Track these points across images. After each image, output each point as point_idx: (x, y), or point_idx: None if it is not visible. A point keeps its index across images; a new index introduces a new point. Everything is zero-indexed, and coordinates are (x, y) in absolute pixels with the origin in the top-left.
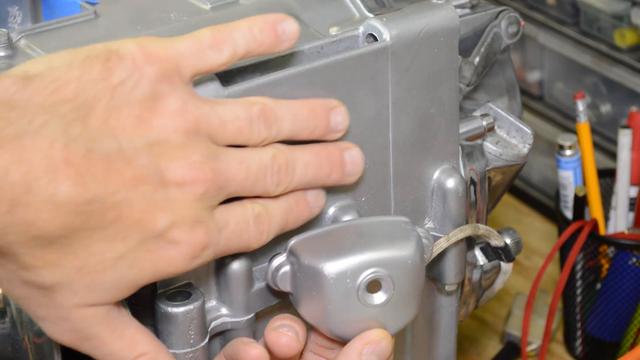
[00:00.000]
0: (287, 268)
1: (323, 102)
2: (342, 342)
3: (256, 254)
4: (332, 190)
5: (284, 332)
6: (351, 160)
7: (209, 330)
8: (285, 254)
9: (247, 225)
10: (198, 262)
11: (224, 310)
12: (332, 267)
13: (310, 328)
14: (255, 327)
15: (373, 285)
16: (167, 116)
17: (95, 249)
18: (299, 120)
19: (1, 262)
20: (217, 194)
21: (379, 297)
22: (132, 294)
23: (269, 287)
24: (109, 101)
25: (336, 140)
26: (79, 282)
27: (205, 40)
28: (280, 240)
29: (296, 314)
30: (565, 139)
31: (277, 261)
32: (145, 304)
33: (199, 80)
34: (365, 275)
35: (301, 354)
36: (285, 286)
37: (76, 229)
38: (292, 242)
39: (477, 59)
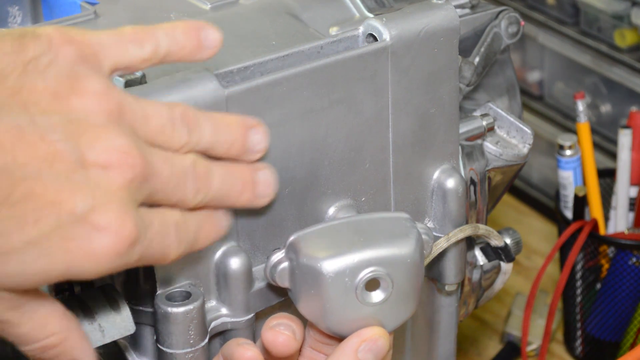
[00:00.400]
0: (285, 264)
1: (242, 119)
2: (340, 338)
3: (256, 254)
4: (331, 190)
5: (280, 330)
6: (264, 180)
7: (209, 330)
8: (284, 250)
9: (168, 230)
10: (122, 262)
11: (224, 310)
12: (330, 266)
13: (308, 324)
14: (255, 327)
15: (372, 284)
16: (88, 96)
17: (2, 227)
18: (219, 131)
19: None
20: (142, 185)
21: (377, 296)
22: (39, 286)
23: (268, 284)
24: (20, 74)
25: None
26: None
27: (127, 34)
28: (278, 237)
29: (296, 311)
30: (565, 139)
31: (275, 257)
32: (145, 304)
33: (198, 81)
34: (364, 274)
35: (300, 349)
36: (284, 282)
37: None
38: (292, 238)
39: (477, 59)
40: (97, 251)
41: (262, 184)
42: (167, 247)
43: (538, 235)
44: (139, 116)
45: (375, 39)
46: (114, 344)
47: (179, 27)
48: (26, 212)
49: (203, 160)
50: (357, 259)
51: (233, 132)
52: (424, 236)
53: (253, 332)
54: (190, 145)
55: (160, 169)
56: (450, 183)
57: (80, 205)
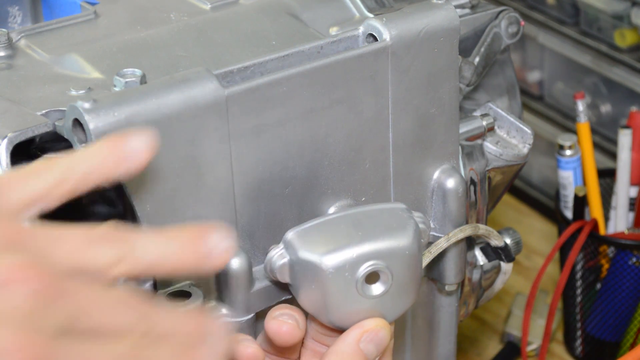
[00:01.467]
0: (285, 260)
1: (195, 230)
2: (341, 330)
3: (256, 254)
4: (331, 190)
5: (284, 320)
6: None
7: None
8: (282, 246)
9: None
10: None
11: (223, 310)
12: (330, 261)
13: (309, 316)
14: (255, 327)
15: (371, 277)
16: None
17: None
18: (159, 243)
19: None
20: (52, 305)
21: (377, 288)
22: None
23: (271, 280)
24: None
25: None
26: None
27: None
28: (278, 237)
29: (298, 307)
30: (565, 139)
31: (274, 252)
32: None
33: (198, 81)
34: (364, 268)
35: (302, 341)
36: (284, 277)
37: None
38: (289, 234)
39: (477, 59)
40: None
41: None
42: None
43: (538, 235)
44: (49, 239)
45: (375, 39)
46: None
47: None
48: None
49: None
50: (356, 253)
51: (182, 241)
52: (420, 225)
53: (253, 332)
54: (123, 264)
55: (75, 289)
56: (450, 183)
57: None
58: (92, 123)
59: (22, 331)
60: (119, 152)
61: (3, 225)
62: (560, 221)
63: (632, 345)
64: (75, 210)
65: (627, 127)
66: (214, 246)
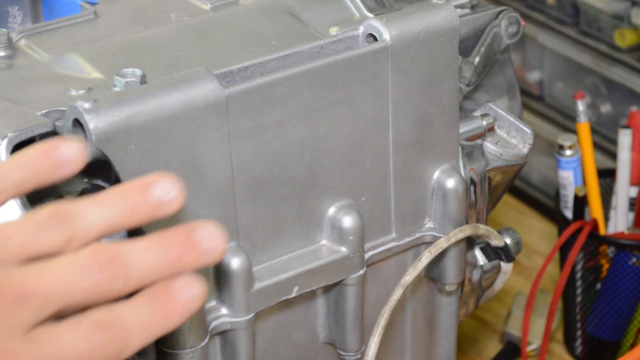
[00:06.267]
0: None
1: (135, 182)
2: None
3: (256, 254)
4: (331, 190)
5: None
6: (205, 236)
7: (209, 330)
8: None
9: (77, 344)
10: None
11: (224, 310)
12: None
13: None
14: (255, 327)
15: None
16: None
17: None
18: (108, 207)
19: None
20: (20, 307)
21: None
22: None
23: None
24: None
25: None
26: None
27: None
28: (278, 237)
29: (298, 311)
30: (565, 139)
31: None
32: None
33: (198, 81)
34: None
35: None
36: None
37: None
38: None
39: (477, 59)
40: None
41: (205, 240)
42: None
43: (538, 235)
44: None
45: (375, 39)
46: None
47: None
48: None
49: (109, 246)
50: None
51: (126, 199)
52: None
53: (253, 332)
54: (78, 237)
55: (37, 283)
56: (451, 183)
57: None
58: (92, 123)
59: None
60: (52, 159)
61: None
62: (560, 221)
63: (632, 345)
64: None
65: (627, 127)
66: (163, 194)
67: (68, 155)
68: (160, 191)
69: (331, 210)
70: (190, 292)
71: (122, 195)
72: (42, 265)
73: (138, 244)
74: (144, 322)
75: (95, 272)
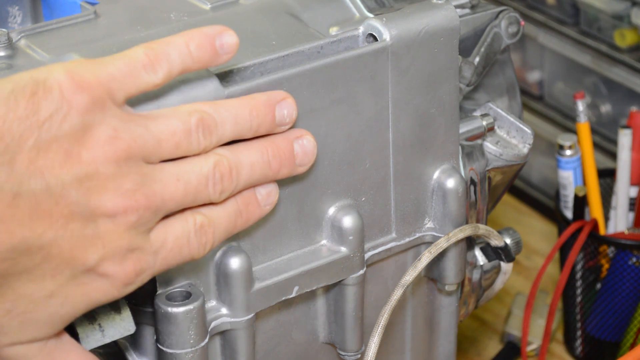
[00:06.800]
0: None
1: (267, 98)
2: None
3: (256, 254)
4: (331, 190)
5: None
6: (302, 150)
7: (209, 330)
8: None
9: (187, 239)
10: (133, 287)
11: (224, 310)
12: None
13: None
14: (255, 327)
15: None
16: (97, 147)
17: (24, 290)
18: (241, 122)
19: None
20: (153, 217)
21: None
22: (68, 324)
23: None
24: (36, 139)
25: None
26: (9, 323)
27: (139, 61)
28: (278, 237)
29: (297, 313)
30: (565, 139)
31: None
32: (145, 304)
33: (198, 81)
34: None
35: None
36: None
37: (2, 274)
38: None
39: (477, 59)
40: (107, 289)
41: (301, 154)
42: (186, 254)
43: (538, 235)
44: (151, 145)
45: (375, 39)
46: (114, 344)
47: (192, 40)
48: (44, 271)
49: (226, 157)
50: None
51: (259, 116)
52: None
53: (253, 332)
54: (211, 146)
55: (171, 193)
56: (451, 183)
57: (91, 258)
58: None
59: (124, 255)
60: (214, 49)
61: (114, 143)
62: (560, 221)
63: (632, 345)
64: None
65: (627, 127)
66: (288, 114)
67: (228, 42)
68: (286, 111)
69: (331, 210)
70: (271, 199)
71: (254, 112)
72: (176, 174)
73: (249, 156)
74: (229, 224)
75: (215, 184)
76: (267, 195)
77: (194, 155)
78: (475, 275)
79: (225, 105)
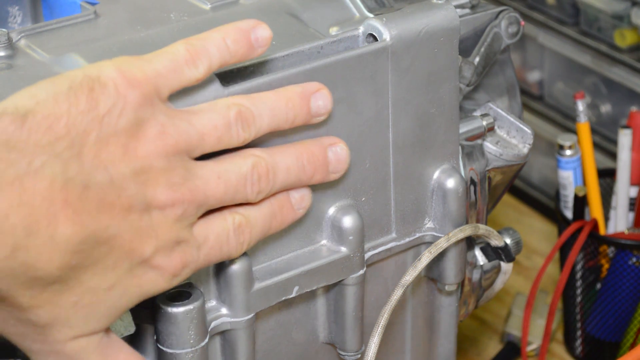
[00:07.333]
0: None
1: (302, 89)
2: None
3: (256, 254)
4: (331, 190)
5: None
6: (335, 157)
7: (209, 330)
8: None
9: (227, 237)
10: (180, 279)
11: (224, 310)
12: None
13: None
14: (255, 327)
15: None
16: (149, 142)
17: (90, 283)
18: (278, 114)
19: None
20: (196, 211)
21: None
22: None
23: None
24: (98, 133)
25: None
26: (75, 316)
27: (182, 56)
28: (278, 237)
29: (297, 314)
30: (565, 139)
31: None
32: (146, 304)
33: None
34: None
35: None
36: None
37: (73, 267)
38: None
39: (477, 59)
40: (157, 280)
41: (335, 161)
42: (225, 252)
43: (538, 235)
44: (195, 140)
45: (375, 39)
46: None
47: (229, 35)
48: (107, 264)
49: (264, 158)
50: None
51: (295, 107)
52: None
53: (253, 332)
54: (250, 138)
55: (213, 190)
56: (451, 183)
57: (147, 250)
58: None
59: (173, 246)
60: (250, 43)
61: (164, 138)
62: (560, 221)
63: (632, 345)
64: None
65: (627, 127)
66: (323, 105)
67: (262, 36)
68: (321, 102)
69: (331, 210)
70: (304, 203)
71: (290, 104)
72: (217, 171)
73: (284, 159)
74: (265, 225)
75: (253, 184)
76: (301, 199)
77: (234, 148)
78: (475, 275)
79: (261, 97)
